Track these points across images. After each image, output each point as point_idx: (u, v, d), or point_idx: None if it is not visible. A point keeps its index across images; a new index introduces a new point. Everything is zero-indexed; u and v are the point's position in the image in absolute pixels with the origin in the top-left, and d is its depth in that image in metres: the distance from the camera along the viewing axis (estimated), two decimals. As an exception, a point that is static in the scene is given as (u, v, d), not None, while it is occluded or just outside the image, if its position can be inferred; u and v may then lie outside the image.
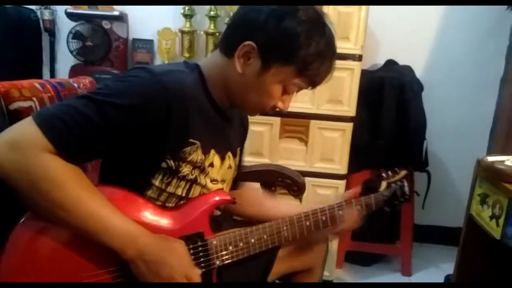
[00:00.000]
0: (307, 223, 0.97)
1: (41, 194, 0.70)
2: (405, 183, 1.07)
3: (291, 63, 0.84)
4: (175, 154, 0.84)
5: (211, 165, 0.93)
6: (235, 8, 2.18)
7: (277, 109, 0.92)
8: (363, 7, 1.77)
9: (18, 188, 0.71)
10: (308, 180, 1.62)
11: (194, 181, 0.89)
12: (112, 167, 0.88)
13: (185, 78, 0.86)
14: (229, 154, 0.99)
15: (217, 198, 0.92)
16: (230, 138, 1.01)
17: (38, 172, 0.70)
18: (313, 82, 0.89)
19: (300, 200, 1.89)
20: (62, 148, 0.72)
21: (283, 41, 0.83)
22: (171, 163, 0.84)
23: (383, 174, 1.07)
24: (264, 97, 0.88)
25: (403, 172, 1.08)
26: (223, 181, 0.99)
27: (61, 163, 0.72)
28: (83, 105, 0.74)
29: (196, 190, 0.91)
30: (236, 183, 1.10)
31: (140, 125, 0.78)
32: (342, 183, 1.90)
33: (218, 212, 0.95)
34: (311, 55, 0.84)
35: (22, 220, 0.76)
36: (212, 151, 0.92)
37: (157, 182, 0.85)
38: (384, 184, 1.06)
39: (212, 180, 0.94)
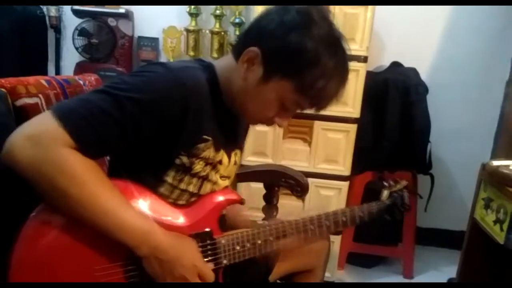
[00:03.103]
0: (312, 227, 0.96)
1: (60, 188, 0.70)
2: (405, 193, 1.08)
3: (290, 79, 0.81)
4: (189, 150, 0.84)
5: (220, 162, 0.93)
6: (241, 7, 2.19)
7: (275, 124, 0.90)
8: (369, 8, 1.76)
9: (36, 182, 0.71)
10: (311, 181, 1.62)
11: (205, 178, 0.90)
12: (124, 163, 0.87)
13: (200, 76, 0.86)
14: (236, 151, 1.00)
15: (226, 198, 0.92)
16: (237, 135, 1.02)
17: (57, 167, 0.70)
18: (314, 103, 0.86)
19: (303, 200, 1.90)
20: (81, 143, 0.72)
21: (286, 54, 0.81)
22: (185, 159, 0.85)
23: (385, 183, 1.08)
24: (261, 107, 0.87)
25: (403, 182, 1.10)
26: (228, 177, 1.00)
27: (80, 158, 0.72)
28: (101, 99, 0.75)
29: (207, 187, 0.91)
30: None
31: (157, 120, 0.78)
32: (345, 184, 1.90)
33: (225, 211, 0.95)
34: (313, 75, 0.80)
35: (35, 212, 0.76)
36: (222, 150, 0.93)
37: (169, 179, 0.86)
38: (386, 193, 1.07)
39: (221, 177, 0.95)
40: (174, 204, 0.88)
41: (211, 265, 0.85)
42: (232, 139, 0.98)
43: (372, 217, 1.04)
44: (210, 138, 0.87)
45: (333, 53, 0.82)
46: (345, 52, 0.85)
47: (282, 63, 0.81)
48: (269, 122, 0.90)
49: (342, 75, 0.85)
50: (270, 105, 0.86)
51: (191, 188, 0.89)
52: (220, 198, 0.92)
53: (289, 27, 0.80)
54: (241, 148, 1.04)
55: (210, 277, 0.82)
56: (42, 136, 0.70)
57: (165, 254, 0.76)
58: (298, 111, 0.90)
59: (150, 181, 0.85)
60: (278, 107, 0.86)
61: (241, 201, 0.95)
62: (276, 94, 0.84)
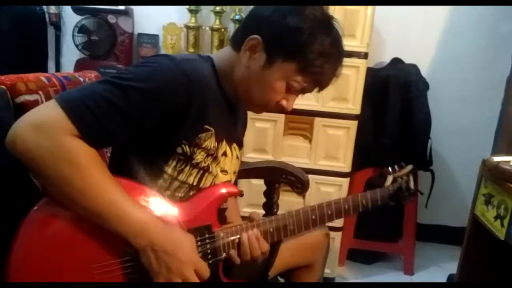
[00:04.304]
0: (313, 217, 0.96)
1: (62, 176, 0.71)
2: (411, 178, 1.07)
3: (293, 59, 0.85)
4: (191, 140, 0.85)
5: (225, 154, 0.94)
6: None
7: (281, 108, 0.92)
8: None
9: (39, 170, 0.71)
10: (311, 177, 1.62)
11: (206, 170, 0.90)
12: (125, 153, 0.88)
13: (203, 67, 0.88)
14: (235, 145, 1.01)
15: (224, 191, 0.92)
16: (237, 130, 1.04)
17: (61, 155, 0.70)
18: (317, 82, 0.90)
19: (304, 197, 1.90)
20: (85, 132, 0.73)
21: (286, 37, 0.84)
22: (187, 148, 0.85)
23: (389, 169, 1.06)
24: (267, 92, 0.89)
25: (409, 167, 1.08)
26: (231, 172, 1.00)
27: (84, 147, 0.73)
28: (106, 89, 0.75)
29: (208, 180, 0.91)
30: None
31: (161, 109, 0.79)
32: (345, 181, 1.90)
33: (225, 205, 0.95)
34: (313, 53, 0.84)
35: (36, 207, 0.76)
36: (224, 141, 0.94)
37: (169, 170, 0.86)
38: (390, 179, 1.06)
39: (222, 171, 0.95)
40: (173, 197, 0.88)
41: (206, 265, 0.84)
42: (233, 132, 1.00)
43: (376, 204, 1.02)
44: (211, 129, 0.88)
45: (328, 32, 0.86)
46: (338, 31, 0.88)
47: (283, 46, 0.85)
48: (275, 106, 0.92)
49: (338, 51, 0.88)
50: (276, 89, 0.88)
51: (191, 180, 0.89)
52: (219, 191, 0.92)
53: (285, 11, 0.84)
54: (238, 142, 1.04)
55: (206, 272, 0.82)
56: (46, 124, 0.71)
57: (162, 247, 0.76)
58: (301, 95, 0.93)
59: (149, 172, 0.86)
60: (284, 90, 0.89)
61: (239, 193, 0.95)
62: (281, 77, 0.87)
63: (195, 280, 0.79)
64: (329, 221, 0.99)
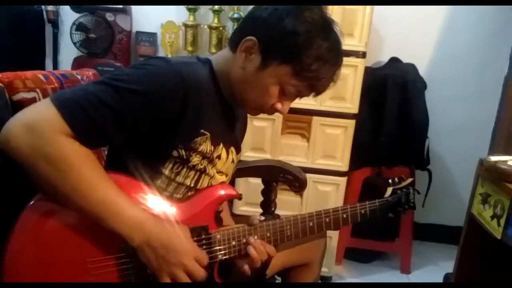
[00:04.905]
0: (310, 224, 0.96)
1: (57, 176, 0.71)
2: (411, 191, 1.06)
3: (288, 62, 0.83)
4: (187, 144, 0.85)
5: (219, 157, 0.94)
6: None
7: (276, 111, 0.91)
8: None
9: (33, 169, 0.71)
10: (309, 176, 1.62)
11: (203, 171, 0.90)
12: (121, 155, 0.87)
13: (200, 71, 0.88)
14: (232, 149, 1.00)
15: (223, 193, 0.92)
16: (235, 134, 1.03)
17: (55, 155, 0.70)
18: (312, 87, 0.88)
19: (301, 196, 1.90)
20: (79, 132, 0.72)
21: (282, 39, 0.82)
22: (182, 152, 0.85)
23: (389, 181, 1.06)
24: (262, 95, 0.88)
25: (409, 180, 1.07)
26: (226, 174, 1.00)
27: (78, 147, 0.73)
28: (101, 90, 0.75)
29: (204, 181, 0.91)
30: None
31: (156, 112, 0.79)
32: (343, 180, 1.91)
33: (220, 207, 0.95)
34: (309, 57, 0.82)
35: (31, 202, 0.76)
36: (221, 145, 0.93)
37: (167, 172, 0.86)
38: (389, 190, 1.05)
39: (218, 172, 0.95)
40: (171, 198, 0.88)
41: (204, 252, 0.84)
42: (230, 136, 0.99)
43: (375, 215, 1.02)
44: (207, 133, 0.87)
45: (326, 36, 0.84)
46: (338, 35, 0.86)
47: (278, 49, 0.83)
48: (270, 109, 0.91)
49: (336, 57, 0.87)
50: (270, 92, 0.87)
51: (188, 182, 0.89)
52: (218, 192, 0.92)
53: (282, 13, 0.82)
54: (236, 146, 1.03)
55: (205, 259, 0.82)
56: (39, 124, 0.70)
57: (159, 241, 0.76)
58: (298, 99, 0.91)
59: (147, 173, 0.85)
60: (278, 93, 0.87)
61: (238, 197, 0.95)
62: (275, 80, 0.85)
63: (197, 268, 0.80)
64: (327, 229, 0.99)
